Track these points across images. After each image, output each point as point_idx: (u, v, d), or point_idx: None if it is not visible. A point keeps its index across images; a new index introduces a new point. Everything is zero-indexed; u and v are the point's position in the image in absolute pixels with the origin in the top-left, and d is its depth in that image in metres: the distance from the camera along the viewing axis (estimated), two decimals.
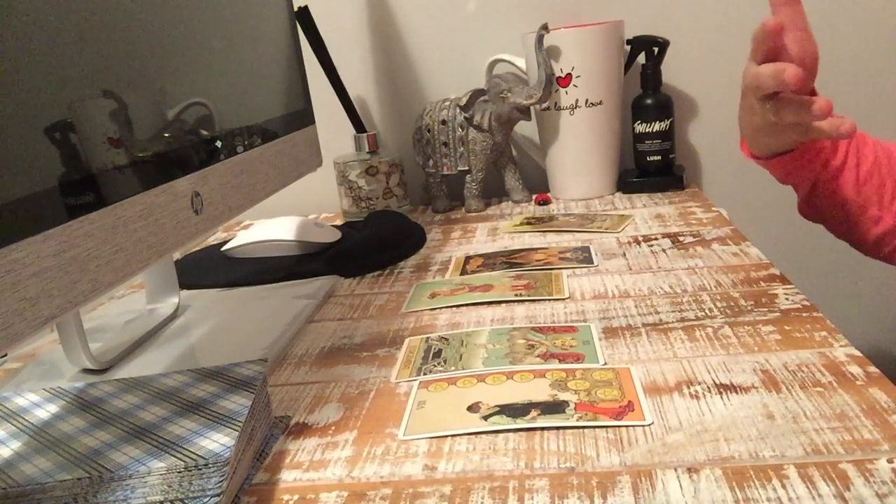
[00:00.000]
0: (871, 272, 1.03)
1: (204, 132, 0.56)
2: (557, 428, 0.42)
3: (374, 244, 0.79)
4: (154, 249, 0.46)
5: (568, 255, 0.72)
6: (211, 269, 0.80)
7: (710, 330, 0.52)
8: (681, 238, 0.74)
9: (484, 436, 0.42)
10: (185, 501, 0.36)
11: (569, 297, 0.61)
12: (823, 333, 0.50)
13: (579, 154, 0.93)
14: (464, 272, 0.71)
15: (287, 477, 0.40)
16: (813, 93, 0.60)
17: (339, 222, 0.95)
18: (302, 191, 1.04)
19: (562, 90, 0.90)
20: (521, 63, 0.95)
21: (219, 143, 0.58)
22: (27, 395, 0.47)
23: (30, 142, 0.36)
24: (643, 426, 0.41)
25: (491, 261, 0.73)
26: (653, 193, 0.93)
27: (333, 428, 0.45)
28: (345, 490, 0.38)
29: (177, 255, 0.87)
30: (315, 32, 0.92)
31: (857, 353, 0.46)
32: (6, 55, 0.35)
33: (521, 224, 0.85)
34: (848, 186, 0.64)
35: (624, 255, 0.71)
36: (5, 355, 0.65)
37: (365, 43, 1.03)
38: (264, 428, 0.44)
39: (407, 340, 0.57)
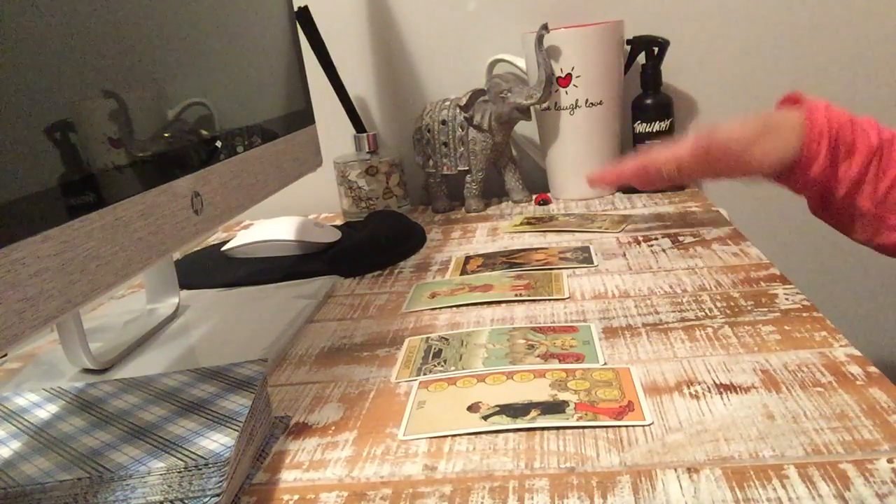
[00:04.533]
0: (871, 272, 1.03)
1: (204, 132, 0.56)
2: (557, 428, 0.42)
3: (374, 244, 0.79)
4: (154, 249, 0.46)
5: (568, 255, 0.72)
6: (211, 269, 0.80)
7: (710, 330, 0.52)
8: (681, 238, 0.74)
9: (484, 436, 0.42)
10: (185, 501, 0.36)
11: (569, 297, 0.61)
12: (823, 333, 0.50)
13: (579, 154, 0.93)
14: (464, 272, 0.71)
15: (287, 477, 0.40)
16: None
17: (339, 222, 0.95)
18: (302, 191, 1.04)
19: (562, 90, 0.90)
20: (521, 63, 0.95)
21: (219, 143, 0.58)
22: (27, 395, 0.47)
23: (30, 142, 0.36)
24: (643, 426, 0.41)
25: (491, 261, 0.73)
26: (653, 193, 0.93)
27: (333, 428, 0.45)
28: (345, 490, 0.38)
29: (177, 255, 0.87)
30: (315, 32, 0.92)
31: (857, 353, 0.46)
32: (6, 55, 0.35)
33: (521, 224, 0.85)
34: (865, 199, 0.61)
35: (624, 255, 0.71)
36: (5, 355, 0.65)
37: (365, 43, 1.03)
38: (264, 428, 0.44)
39: (407, 340, 0.57)
